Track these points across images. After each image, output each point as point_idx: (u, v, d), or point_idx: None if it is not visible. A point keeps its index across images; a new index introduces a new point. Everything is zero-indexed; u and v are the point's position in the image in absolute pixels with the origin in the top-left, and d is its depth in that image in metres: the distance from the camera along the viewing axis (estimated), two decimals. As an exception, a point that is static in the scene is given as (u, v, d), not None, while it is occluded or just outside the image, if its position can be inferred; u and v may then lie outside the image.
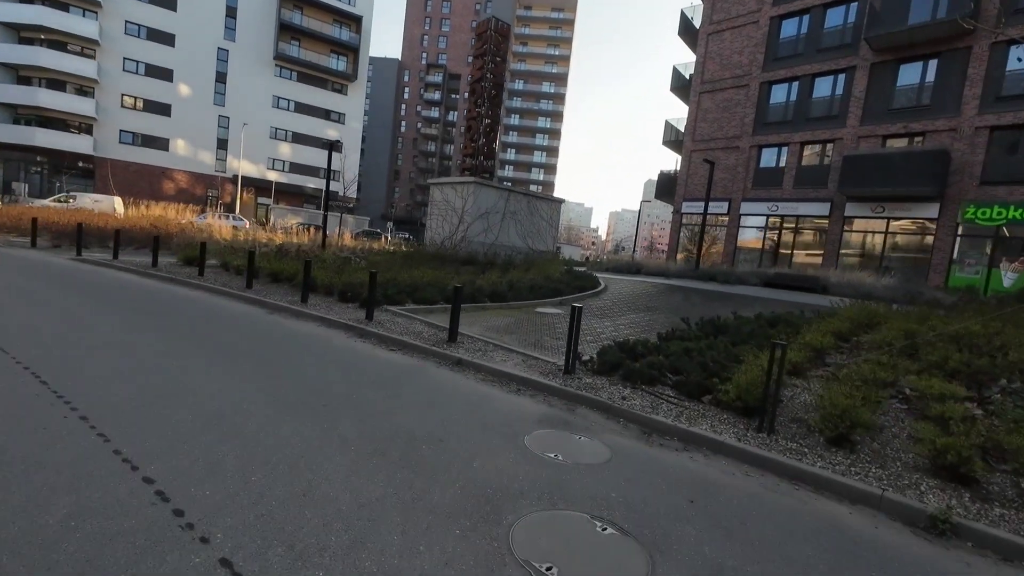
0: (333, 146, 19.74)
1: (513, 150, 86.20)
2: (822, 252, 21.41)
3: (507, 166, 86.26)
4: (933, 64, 18.96)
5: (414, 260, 15.18)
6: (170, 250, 15.51)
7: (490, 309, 10.24)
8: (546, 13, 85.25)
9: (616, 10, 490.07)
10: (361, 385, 4.81)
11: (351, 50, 51.02)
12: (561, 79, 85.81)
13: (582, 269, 24.43)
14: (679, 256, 26.41)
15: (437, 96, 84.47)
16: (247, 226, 31.12)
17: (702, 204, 24.54)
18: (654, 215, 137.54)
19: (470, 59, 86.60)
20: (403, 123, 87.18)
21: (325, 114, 50.73)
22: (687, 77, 27.65)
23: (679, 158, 28.86)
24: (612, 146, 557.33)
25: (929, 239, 18.73)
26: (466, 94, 67.08)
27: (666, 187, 28.18)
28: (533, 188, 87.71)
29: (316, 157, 48.64)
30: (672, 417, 4.33)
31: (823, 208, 21.20)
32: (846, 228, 20.78)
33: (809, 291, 17.31)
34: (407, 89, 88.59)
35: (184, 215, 24.74)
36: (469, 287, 11.08)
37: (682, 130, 27.52)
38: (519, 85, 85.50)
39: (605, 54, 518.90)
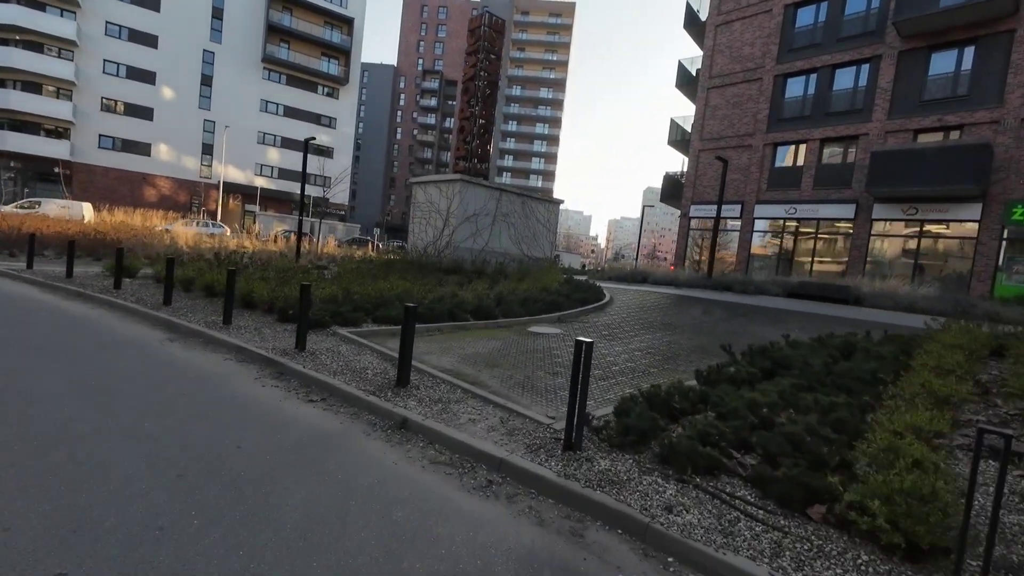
0: (309, 144, 17.88)
1: (511, 156, 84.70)
2: (846, 259, 19.47)
3: (505, 172, 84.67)
4: (970, 51, 17.16)
5: (393, 269, 13.25)
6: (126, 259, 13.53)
7: (472, 329, 8.27)
8: (544, 18, 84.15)
9: (614, 17, 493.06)
10: (203, 487, 2.82)
11: (343, 53, 49.44)
12: (559, 85, 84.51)
13: (583, 278, 22.48)
14: (687, 263, 24.47)
15: (433, 102, 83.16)
16: (227, 233, 29.37)
17: (712, 207, 22.68)
18: (654, 222, 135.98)
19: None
20: (399, 130, 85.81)
21: (316, 118, 49.02)
22: (693, 73, 25.91)
23: (685, 160, 27.05)
24: (611, 151, 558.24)
25: (970, 244, 16.81)
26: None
27: (672, 190, 26.32)
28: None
29: (310, 166, 46.84)
30: (768, 557, 2.33)
31: (847, 210, 19.30)
32: (874, 232, 18.86)
33: (840, 302, 15.35)
34: (403, 96, 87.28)
35: (152, 221, 22.84)
36: (448, 301, 9.11)
37: (689, 129, 25.71)
38: (517, 91, 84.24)
39: (604, 60, 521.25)
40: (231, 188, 44.61)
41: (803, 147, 20.93)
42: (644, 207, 40.86)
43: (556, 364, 6.22)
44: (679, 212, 26.21)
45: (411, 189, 15.86)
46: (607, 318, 10.31)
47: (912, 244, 18.17)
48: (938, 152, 16.38)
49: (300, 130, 47.57)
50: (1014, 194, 15.97)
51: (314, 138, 17.94)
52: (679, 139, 26.31)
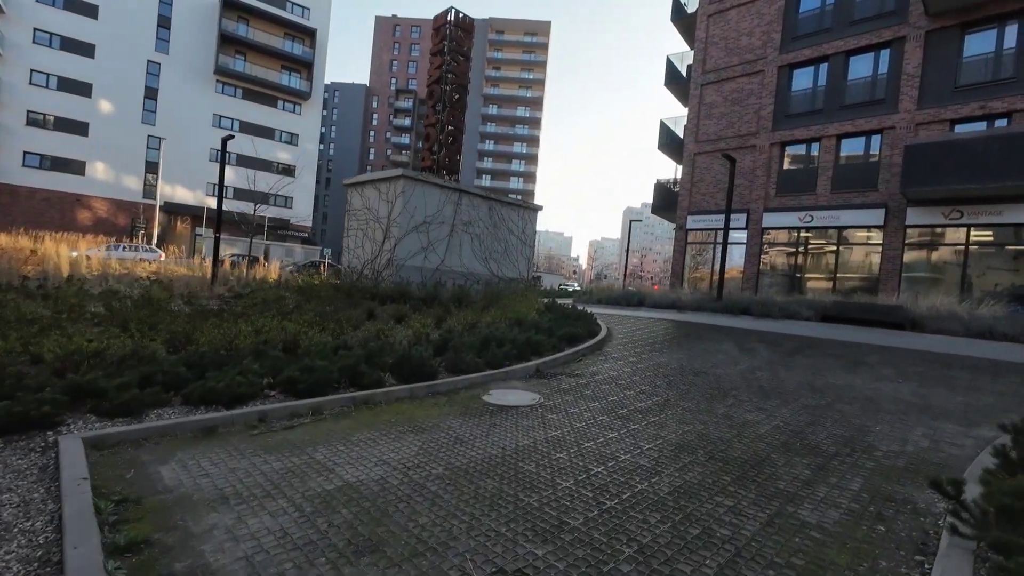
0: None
1: (488, 176, 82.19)
2: (875, 274, 16.50)
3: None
4: (1013, 28, 14.64)
5: (314, 298, 9.67)
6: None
7: (383, 406, 4.73)
8: (519, 37, 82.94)
9: (591, 36, 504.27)
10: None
11: (305, 66, 46.37)
12: (536, 103, 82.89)
13: (567, 302, 19.12)
14: (685, 282, 21.32)
15: (407, 122, 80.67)
16: (161, 258, 25.69)
17: (711, 217, 19.71)
18: (635, 241, 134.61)
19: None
20: (372, 150, 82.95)
21: (275, 134, 45.52)
22: (683, 70, 23.28)
23: (679, 168, 24.21)
24: (590, 172, 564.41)
25: (1032, 251, 13.96)
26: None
27: (664, 200, 23.36)
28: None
29: (266, 183, 43.12)
30: None
31: (875, 216, 16.43)
32: (908, 241, 15.96)
33: (892, 327, 12.21)
34: (376, 116, 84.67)
35: (62, 247, 18.82)
36: (357, 351, 5.58)
37: (681, 132, 22.93)
38: (493, 110, 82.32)
39: (582, 82, 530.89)
40: (179, 209, 40.57)
41: (817, 145, 18.17)
42: (631, 222, 37.98)
43: (527, 514, 2.71)
44: (674, 225, 23.22)
45: (346, 193, 12.38)
46: (611, 367, 6.85)
47: (958, 254, 15.28)
48: (987, 142, 13.61)
49: (258, 147, 43.96)
50: (1084, 191, 13.23)
51: (232, 136, 14.53)
52: (670, 143, 23.49)
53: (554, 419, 4.50)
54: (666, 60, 23.30)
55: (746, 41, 20.05)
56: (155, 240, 33.62)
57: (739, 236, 19.58)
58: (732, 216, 19.02)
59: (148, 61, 39.56)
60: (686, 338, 9.55)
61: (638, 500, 2.93)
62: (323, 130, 76.99)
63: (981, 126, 14.85)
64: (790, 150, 18.87)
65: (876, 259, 16.58)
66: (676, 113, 22.88)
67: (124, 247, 28.56)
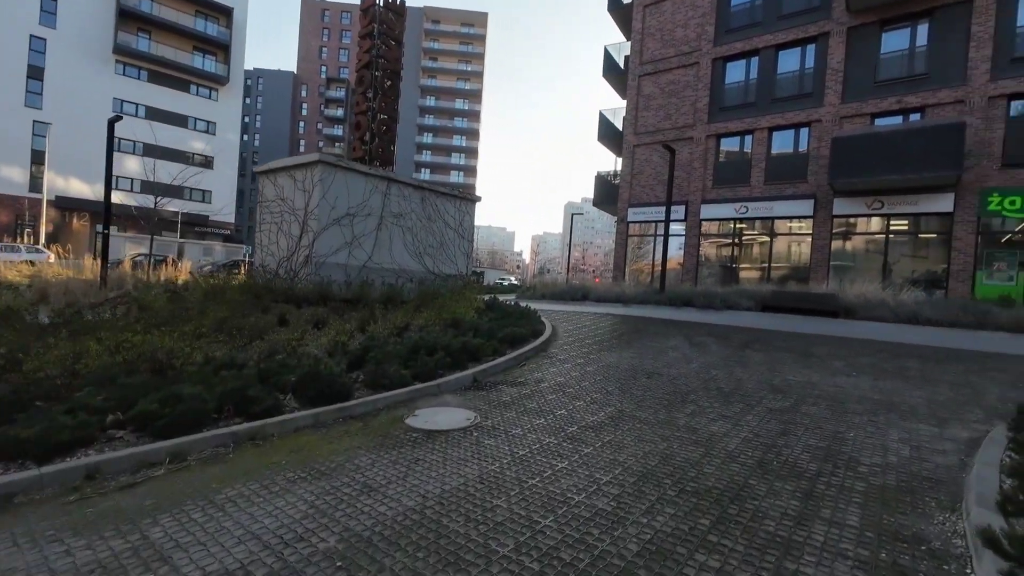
0: (113, 124, 12.42)
1: (427, 169, 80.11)
2: (807, 263, 17.01)
3: (422, 187, 79.67)
4: (924, 26, 15.40)
5: (218, 301, 8.31)
6: None
7: (275, 444, 3.74)
8: (456, 28, 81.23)
9: (529, 33, 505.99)
10: None
11: (221, 47, 42.65)
12: (475, 96, 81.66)
13: (510, 299, 18.43)
14: (627, 275, 21.23)
15: (340, 112, 76.90)
16: (49, 259, 22.37)
17: (652, 210, 19.69)
18: (576, 235, 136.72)
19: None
20: (302, 141, 78.59)
21: (190, 122, 41.62)
22: (621, 61, 23.12)
23: (618, 160, 24.12)
24: (533, 165, 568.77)
25: (944, 239, 14.75)
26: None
27: (605, 193, 23.18)
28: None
29: (177, 175, 39.21)
30: None
31: (805, 207, 16.91)
32: (836, 230, 16.53)
33: (827, 315, 12.42)
34: (305, 105, 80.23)
35: None
36: (246, 371, 4.52)
37: (620, 124, 22.79)
38: (431, 102, 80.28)
39: (523, 74, 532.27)
40: (75, 204, 36.14)
41: (750, 138, 18.49)
42: (572, 215, 37.94)
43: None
44: (615, 218, 23.10)
45: (258, 183, 10.95)
46: (557, 371, 6.15)
47: (879, 242, 15.97)
48: (907, 135, 14.21)
49: (169, 136, 39.99)
50: (988, 181, 14.10)
51: (120, 117, 12.54)
52: (609, 135, 23.31)
53: (491, 446, 3.70)
54: (604, 51, 23.06)
55: (681, 33, 20.10)
56: (43, 239, 29.63)
57: (678, 228, 19.66)
58: (671, 208, 19.05)
59: (31, 36, 34.75)
60: (634, 334, 9.07)
61: (600, 571, 2.18)
62: (246, 119, 71.88)
63: (898, 120, 15.54)
64: (725, 142, 19.12)
65: (806, 249, 17.08)
66: (617, 105, 22.85)
67: (3, 247, 24.85)
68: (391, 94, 24.70)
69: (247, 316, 7.37)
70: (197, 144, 41.77)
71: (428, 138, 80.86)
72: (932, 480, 3.19)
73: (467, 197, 12.45)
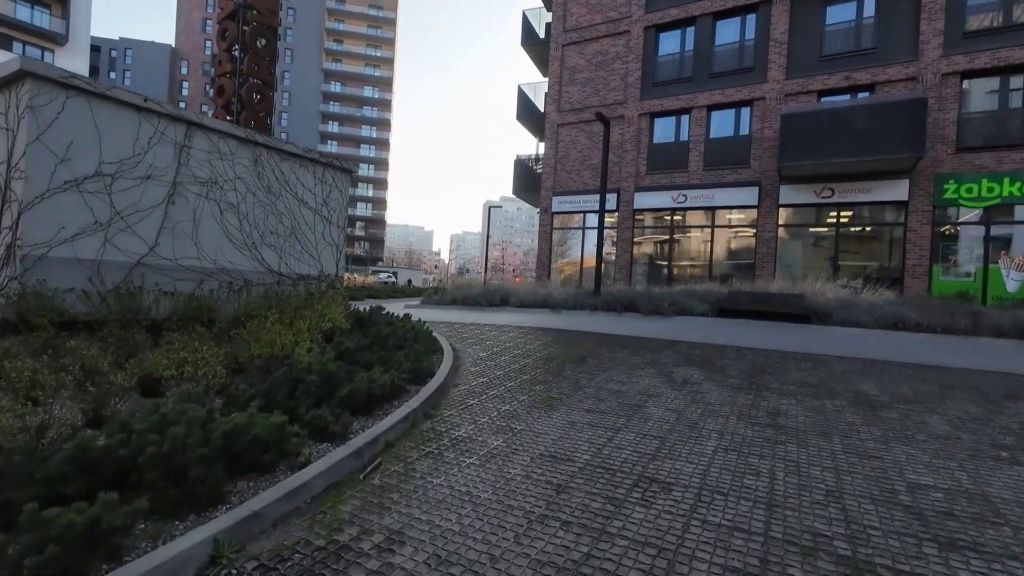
0: None
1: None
2: (750, 258, 15.12)
3: (327, 180, 72.77)
4: (870, -5, 13.98)
5: None
6: None
7: None
8: (363, 9, 75.17)
9: (443, 15, 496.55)
10: None
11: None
12: (385, 84, 76.17)
13: (414, 304, 14.81)
14: (552, 274, 18.40)
15: (228, 93, 67.97)
16: None
17: (580, 198, 17.00)
18: (495, 234, 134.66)
19: (272, 53, 72.28)
20: (182, 125, 68.45)
21: (10, 88, 33.00)
22: (541, 30, 20.27)
23: (541, 144, 21.29)
24: (451, 160, 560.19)
25: (898, 231, 13.35)
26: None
27: (526, 180, 20.22)
28: (361, 208, 75.65)
29: None
30: None
31: (748, 195, 14.99)
32: (782, 222, 14.74)
33: (796, 319, 10.21)
34: (186, 84, 70.13)
35: None
36: None
37: (542, 102, 19.94)
38: (336, 87, 73.60)
39: (437, 63, 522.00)
40: None
41: (687, 118, 16.35)
42: (489, 208, 34.84)
43: None
44: (538, 209, 20.22)
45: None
46: (445, 490, 2.77)
47: (828, 235, 14.37)
48: (866, 111, 12.54)
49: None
50: (942, 167, 12.82)
51: None
52: (530, 114, 20.38)
53: None
54: (522, 15, 20.07)
55: (609, -3, 17.61)
56: None
57: (609, 219, 17.14)
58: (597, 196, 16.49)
59: None
60: (579, 364, 5.92)
61: None
62: (108, 95, 61.11)
63: (846, 98, 14.00)
64: (660, 122, 16.86)
65: (750, 243, 15.18)
66: (539, 80, 19.95)
67: None
68: (266, 55, 19.74)
69: None
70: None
71: (334, 127, 74.08)
72: None
73: (333, 164, 8.66)
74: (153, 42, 69.94)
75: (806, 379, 5.26)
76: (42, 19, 34.25)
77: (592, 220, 17.70)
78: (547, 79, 19.46)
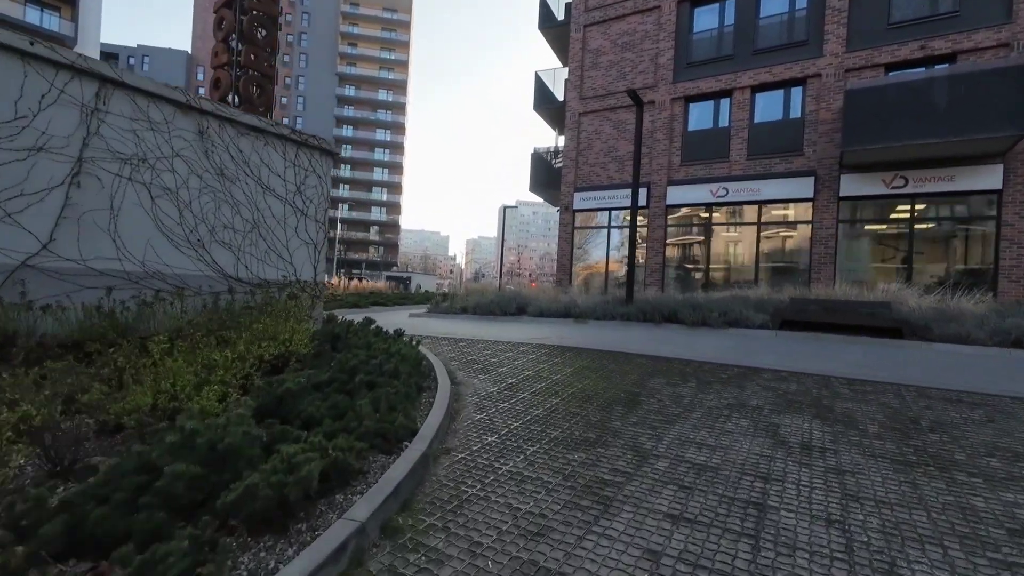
0: None
1: (348, 166, 72.68)
2: (804, 261, 13.12)
3: (341, 185, 72.28)
4: (949, -49, 11.95)
5: None
6: None
7: None
8: (377, 12, 74.57)
9: (457, 18, 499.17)
10: None
11: (64, 1, 33.98)
12: (399, 87, 75.37)
13: (420, 312, 13.17)
14: (573, 279, 16.59)
15: (243, 98, 67.79)
16: None
17: (605, 194, 15.24)
18: (511, 238, 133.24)
19: (286, 59, 71.79)
20: (197, 131, 68.45)
21: (18, 92, 32.49)
22: (558, 14, 18.56)
23: (560, 138, 19.57)
24: (468, 165, 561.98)
25: (990, 227, 11.25)
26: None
27: (544, 175, 18.49)
28: (376, 212, 74.72)
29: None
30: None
31: (802, 186, 13.02)
32: (843, 218, 12.73)
33: (883, 333, 8.26)
34: (202, 90, 70.10)
35: None
36: None
37: (562, 91, 18.20)
38: (351, 91, 72.96)
39: (452, 66, 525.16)
40: None
41: (727, 102, 14.45)
42: (504, 208, 33.21)
43: None
44: (557, 207, 18.49)
45: None
46: None
47: (899, 232, 12.31)
48: (951, 83, 10.50)
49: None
50: (1044, 149, 10.71)
51: None
52: (548, 104, 18.65)
53: None
54: (540, -3, 18.39)
55: (637, -30, 15.82)
56: None
57: (638, 218, 15.27)
58: (629, 192, 14.67)
59: None
60: (633, 412, 4.13)
61: None
62: (124, 101, 61.33)
63: (921, 70, 11.96)
64: (696, 108, 14.98)
65: (804, 242, 13.18)
66: (558, 66, 18.22)
67: None
68: (266, 45, 18.32)
69: None
70: (29, 119, 32.77)
71: (348, 131, 73.39)
72: None
73: (311, 143, 7.02)
74: (170, 48, 70.28)
75: (999, 442, 3.39)
76: (51, 22, 33.84)
77: (618, 218, 15.88)
78: (567, 65, 17.73)
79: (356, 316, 11.41)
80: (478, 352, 6.41)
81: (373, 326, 6.60)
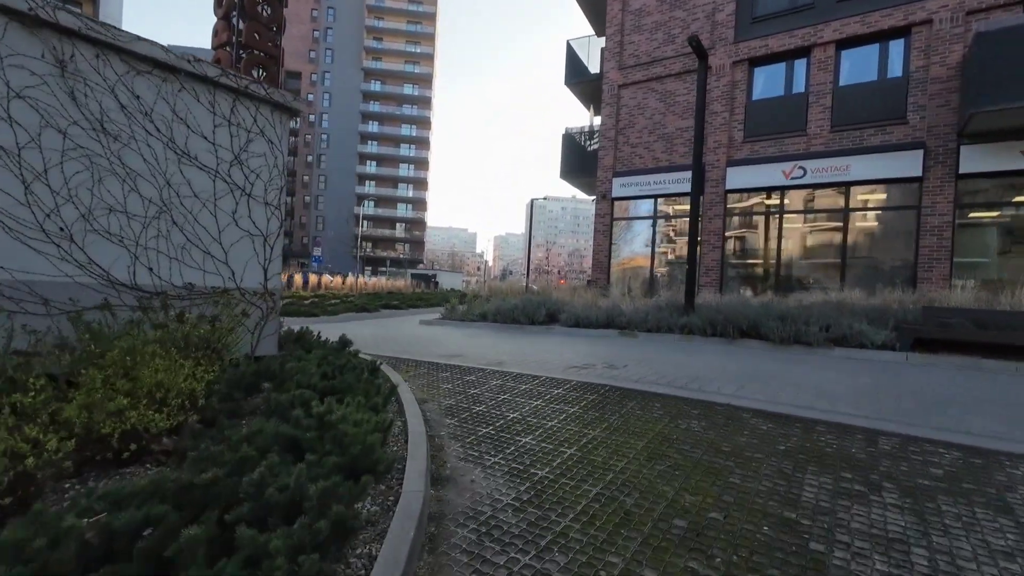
0: None
1: (373, 162, 71.81)
2: (910, 258, 10.48)
3: (367, 181, 71.43)
4: None
5: None
6: None
7: None
8: (403, 5, 73.24)
9: (482, 4, 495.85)
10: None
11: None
12: (425, 80, 73.95)
13: (432, 318, 11.15)
14: (612, 280, 14.27)
15: (269, 96, 67.59)
16: None
17: (650, 179, 12.89)
18: (539, 234, 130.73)
19: (312, 55, 71.17)
20: (225, 129, 68.60)
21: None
22: (596, -26, 16.18)
23: (597, 117, 17.27)
24: (494, 160, 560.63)
25: None
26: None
27: (577, 160, 16.20)
28: (402, 209, 73.53)
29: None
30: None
31: (905, 163, 10.37)
32: (964, 202, 10.04)
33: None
34: (230, 88, 70.19)
35: None
36: None
37: (597, 63, 15.86)
38: (376, 86, 71.94)
39: (478, 61, 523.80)
40: None
41: (802, 63, 11.87)
42: (531, 200, 30.96)
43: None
44: (593, 197, 16.20)
45: None
46: None
47: (1044, 218, 9.56)
48: None
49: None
50: None
51: None
52: (581, 76, 16.32)
53: None
54: (572, -46, 16.04)
55: (689, -89, 13.33)
56: None
57: (685, 206, 12.83)
58: (678, 174, 12.31)
59: None
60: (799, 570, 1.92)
61: None
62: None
63: (1075, 9, 9.17)
64: (762, 72, 12.44)
65: (908, 234, 10.53)
66: (590, 34, 15.91)
67: None
68: (272, 23, 16.53)
69: None
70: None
71: (374, 127, 72.45)
72: None
73: (254, 92, 5.03)
74: (196, 48, 70.60)
75: None
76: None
77: (665, 207, 13.49)
78: (603, 34, 15.38)
79: (354, 327, 9.46)
80: (490, 396, 4.28)
81: (344, 359, 4.55)
